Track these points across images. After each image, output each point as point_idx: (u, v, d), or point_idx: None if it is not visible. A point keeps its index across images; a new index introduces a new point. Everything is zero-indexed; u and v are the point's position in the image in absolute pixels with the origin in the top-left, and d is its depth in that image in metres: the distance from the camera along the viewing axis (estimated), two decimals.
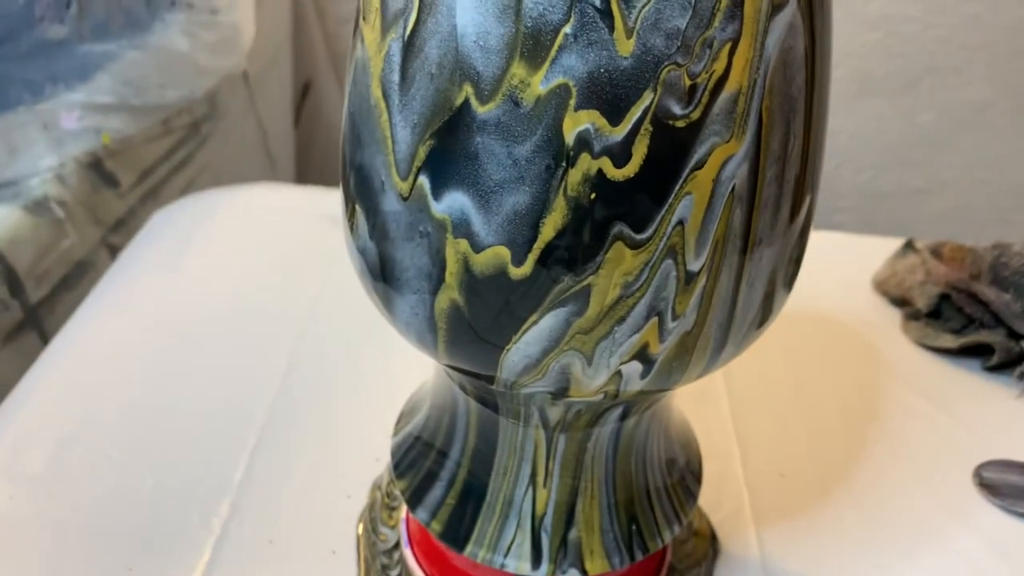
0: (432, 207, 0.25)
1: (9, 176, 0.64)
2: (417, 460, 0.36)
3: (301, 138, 1.24)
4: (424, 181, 0.25)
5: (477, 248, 0.25)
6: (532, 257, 0.24)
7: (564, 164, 0.23)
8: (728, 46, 0.22)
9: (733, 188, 0.24)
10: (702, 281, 0.25)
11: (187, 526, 0.41)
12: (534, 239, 0.24)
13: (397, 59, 0.24)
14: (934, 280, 0.55)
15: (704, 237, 0.24)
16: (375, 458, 0.45)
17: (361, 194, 0.27)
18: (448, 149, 0.24)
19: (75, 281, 0.66)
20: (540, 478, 0.33)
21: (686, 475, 0.36)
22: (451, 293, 0.26)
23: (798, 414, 0.50)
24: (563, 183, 0.23)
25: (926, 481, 0.46)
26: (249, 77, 0.94)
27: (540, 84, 0.22)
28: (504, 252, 0.24)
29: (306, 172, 1.29)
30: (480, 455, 0.33)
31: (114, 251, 0.72)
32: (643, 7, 0.22)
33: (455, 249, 0.25)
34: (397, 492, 0.42)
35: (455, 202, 0.24)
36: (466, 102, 0.23)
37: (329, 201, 0.65)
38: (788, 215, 0.26)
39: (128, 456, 0.44)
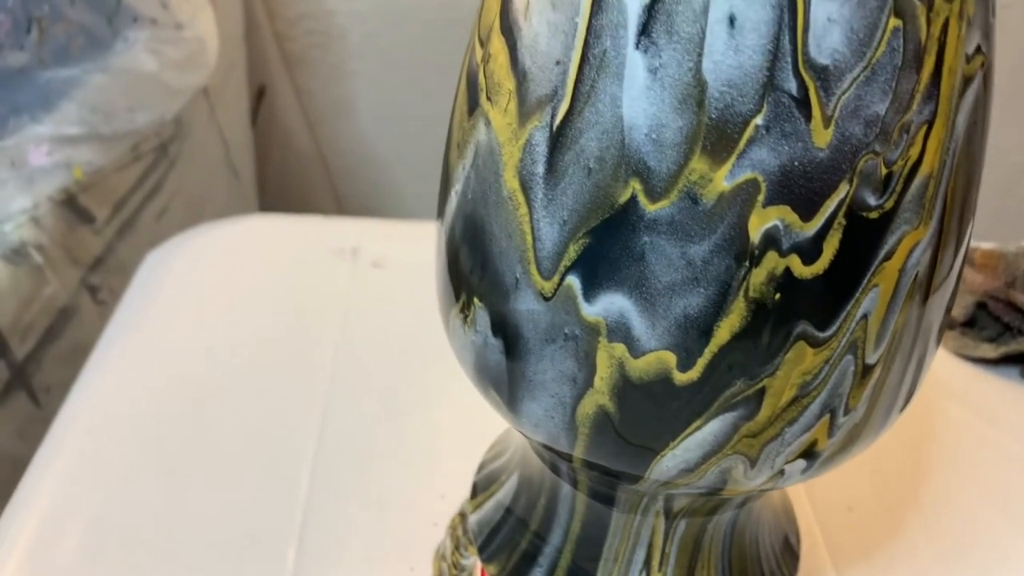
0: (582, 309, 0.22)
1: None
2: (509, 541, 0.33)
3: (259, 144, 1.20)
4: (574, 282, 0.22)
5: (636, 353, 0.22)
6: (702, 362, 0.22)
7: (747, 264, 0.21)
8: (924, 129, 0.20)
9: (916, 275, 0.22)
10: (877, 372, 0.23)
11: None
12: (706, 343, 0.22)
13: (542, 150, 0.22)
14: (969, 289, 0.54)
15: (885, 329, 0.22)
16: (433, 523, 0.42)
17: (484, 288, 0.24)
18: (606, 249, 0.21)
19: (59, 330, 0.62)
20: (655, 562, 0.31)
21: (791, 538, 0.34)
22: (599, 399, 0.23)
23: None
24: (745, 283, 0.21)
25: (992, 500, 0.46)
26: (208, 90, 0.89)
27: (724, 180, 0.20)
28: (669, 357, 0.22)
29: (265, 179, 1.25)
30: (586, 541, 0.31)
31: (95, 292, 0.67)
32: (843, 94, 0.19)
33: (608, 354, 0.22)
34: (465, 563, 0.39)
35: (612, 305, 0.22)
36: (633, 199, 0.21)
37: (329, 231, 0.62)
38: (949, 283, 0.24)
39: (167, 540, 0.41)
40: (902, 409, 0.26)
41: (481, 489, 0.36)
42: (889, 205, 0.21)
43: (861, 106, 0.19)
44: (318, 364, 0.50)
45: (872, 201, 0.20)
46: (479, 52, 0.24)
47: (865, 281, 0.21)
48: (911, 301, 0.22)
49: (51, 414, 0.48)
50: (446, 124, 0.27)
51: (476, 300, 0.25)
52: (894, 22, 0.19)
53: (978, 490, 0.46)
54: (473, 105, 0.24)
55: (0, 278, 0.56)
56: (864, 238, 0.21)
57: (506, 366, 0.25)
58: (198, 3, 0.84)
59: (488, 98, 0.23)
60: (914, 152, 0.20)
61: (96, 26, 0.71)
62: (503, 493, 0.34)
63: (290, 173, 1.29)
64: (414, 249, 0.52)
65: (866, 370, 0.23)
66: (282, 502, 0.43)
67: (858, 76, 0.19)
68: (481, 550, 0.34)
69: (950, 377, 0.53)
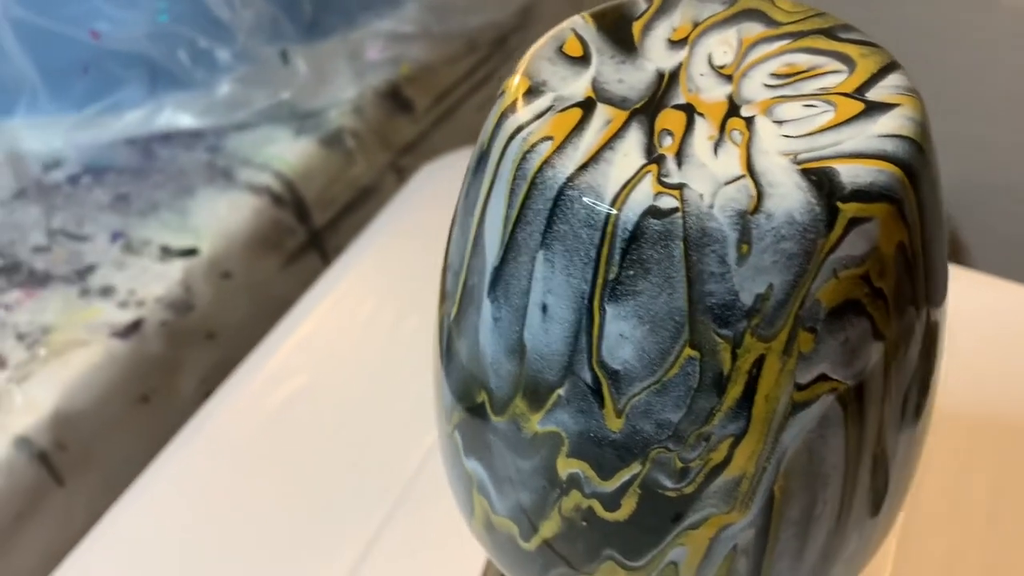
0: (463, 459, 0.26)
1: (315, 106, 0.71)
2: None
3: None
4: (458, 437, 0.26)
5: (494, 511, 0.26)
6: (536, 541, 0.25)
7: (558, 492, 0.23)
8: (730, 441, 0.21)
9: (735, 546, 0.23)
10: None
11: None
12: (535, 533, 0.25)
13: (445, 335, 0.25)
14: None
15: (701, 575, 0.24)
16: None
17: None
18: (472, 429, 0.25)
19: (360, 204, 0.74)
20: None
21: None
22: (477, 527, 0.28)
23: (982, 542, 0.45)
24: (558, 504, 0.24)
25: None
26: None
27: (538, 424, 0.23)
28: (513, 527, 0.26)
29: None
30: None
31: (401, 172, 0.78)
32: (633, 396, 0.21)
33: (478, 501, 0.27)
34: None
35: (477, 469, 0.26)
36: (483, 405, 0.24)
37: None
38: (823, 551, 0.24)
39: (341, 416, 0.50)
40: None
41: None
42: (689, 491, 0.22)
43: (652, 411, 0.21)
44: None
45: (668, 484, 0.22)
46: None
47: (669, 538, 0.23)
48: (733, 563, 0.24)
49: None
50: None
51: None
52: (689, 352, 0.20)
53: None
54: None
55: (313, 159, 0.69)
56: (662, 508, 0.22)
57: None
58: None
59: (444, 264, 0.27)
60: (717, 456, 0.21)
61: None
62: None
63: None
64: None
65: None
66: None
67: (649, 386, 0.21)
68: None
69: None
